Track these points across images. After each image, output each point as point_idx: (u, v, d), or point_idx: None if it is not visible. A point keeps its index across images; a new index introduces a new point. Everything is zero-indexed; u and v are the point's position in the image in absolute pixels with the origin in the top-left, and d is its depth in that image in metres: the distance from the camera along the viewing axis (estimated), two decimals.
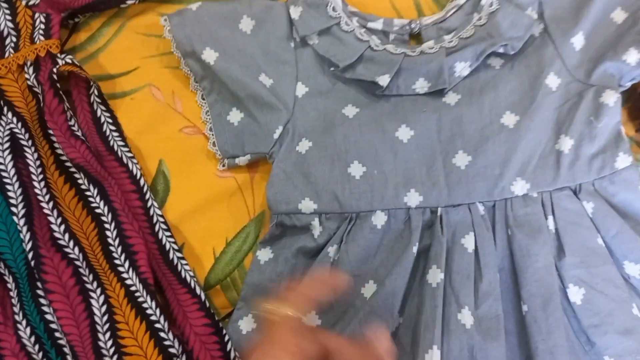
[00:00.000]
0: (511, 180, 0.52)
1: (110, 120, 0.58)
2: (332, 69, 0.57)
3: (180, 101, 0.59)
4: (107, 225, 0.53)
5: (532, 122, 0.53)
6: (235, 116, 0.56)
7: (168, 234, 0.55)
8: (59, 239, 0.52)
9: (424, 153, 0.54)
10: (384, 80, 0.54)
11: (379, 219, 0.52)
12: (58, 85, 0.56)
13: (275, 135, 0.55)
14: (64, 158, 0.55)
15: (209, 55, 0.56)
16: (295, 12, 0.57)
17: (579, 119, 0.53)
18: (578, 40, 0.55)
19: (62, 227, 0.52)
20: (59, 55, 0.58)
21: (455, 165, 0.53)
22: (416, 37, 0.59)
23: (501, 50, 0.54)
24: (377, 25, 0.58)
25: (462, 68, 0.55)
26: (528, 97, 0.54)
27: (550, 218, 0.51)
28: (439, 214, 0.52)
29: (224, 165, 0.57)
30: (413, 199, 0.52)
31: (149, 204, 0.55)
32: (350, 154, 0.54)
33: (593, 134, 0.53)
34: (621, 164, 0.52)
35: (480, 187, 0.52)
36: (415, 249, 0.51)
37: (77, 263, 0.52)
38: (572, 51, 0.55)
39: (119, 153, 0.56)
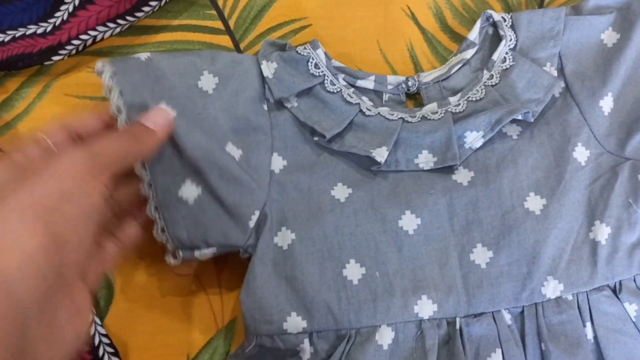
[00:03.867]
0: (542, 280, 0.43)
1: None
2: (316, 138, 0.46)
3: None
4: None
5: (562, 207, 0.44)
6: (189, 191, 0.42)
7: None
8: None
9: (434, 247, 0.44)
10: (381, 154, 0.44)
11: (385, 336, 0.42)
12: None
13: (251, 224, 0.44)
14: None
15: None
16: (268, 69, 0.46)
17: (615, 202, 0.44)
18: (607, 103, 0.46)
19: None
20: None
21: (474, 263, 0.43)
22: (414, 97, 0.50)
23: (520, 117, 0.45)
24: (368, 83, 0.48)
25: (473, 139, 0.45)
26: (554, 174, 0.45)
27: (589, 325, 0.43)
28: (457, 326, 0.42)
29: (175, 258, 0.42)
30: (425, 308, 0.42)
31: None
32: (345, 251, 0.44)
33: (633, 219, 0.44)
34: None
35: (505, 291, 0.43)
36: None
37: None
38: (601, 116, 0.46)
39: None
